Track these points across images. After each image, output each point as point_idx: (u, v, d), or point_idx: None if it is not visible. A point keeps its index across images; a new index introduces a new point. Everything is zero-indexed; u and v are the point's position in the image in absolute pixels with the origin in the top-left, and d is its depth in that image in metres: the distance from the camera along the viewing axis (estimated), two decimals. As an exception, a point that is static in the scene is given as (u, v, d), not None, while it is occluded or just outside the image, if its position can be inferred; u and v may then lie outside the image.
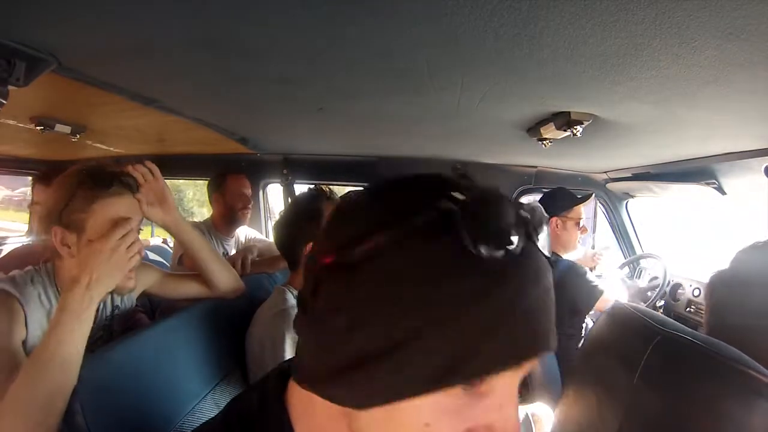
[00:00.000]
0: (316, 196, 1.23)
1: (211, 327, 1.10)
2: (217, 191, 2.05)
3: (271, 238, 2.30)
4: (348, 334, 0.32)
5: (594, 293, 1.81)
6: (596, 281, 1.87)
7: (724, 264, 0.87)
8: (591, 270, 2.24)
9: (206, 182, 2.14)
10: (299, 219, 1.19)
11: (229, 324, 1.17)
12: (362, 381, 0.32)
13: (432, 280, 0.30)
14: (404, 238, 0.31)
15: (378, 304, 0.31)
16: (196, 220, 2.11)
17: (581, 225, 1.95)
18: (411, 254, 0.31)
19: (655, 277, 2.16)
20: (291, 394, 0.41)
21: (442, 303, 0.30)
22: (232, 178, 2.07)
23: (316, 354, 0.35)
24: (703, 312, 1.85)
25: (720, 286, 0.85)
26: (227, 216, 2.04)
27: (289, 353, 1.02)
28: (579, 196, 1.96)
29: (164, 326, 0.96)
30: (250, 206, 2.10)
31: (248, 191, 2.10)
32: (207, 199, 2.13)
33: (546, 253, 0.34)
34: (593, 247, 2.62)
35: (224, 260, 1.21)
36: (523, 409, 1.34)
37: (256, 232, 2.30)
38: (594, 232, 2.64)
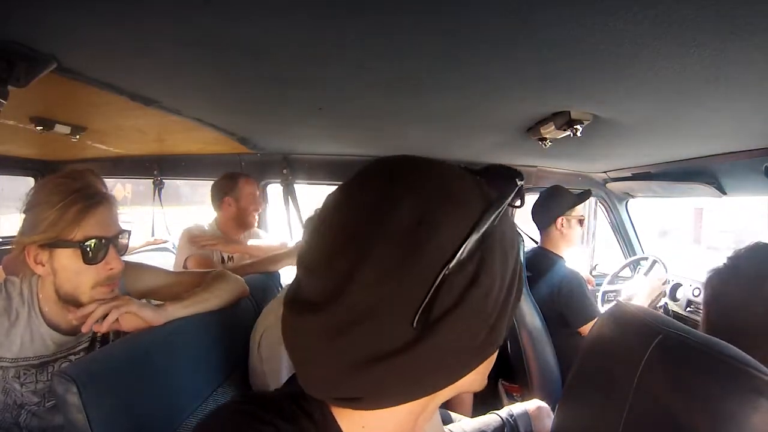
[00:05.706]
0: None
1: (214, 327, 1.10)
2: (229, 194, 2.00)
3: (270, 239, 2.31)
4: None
5: (585, 313, 1.72)
6: (593, 301, 1.78)
7: (720, 261, 0.89)
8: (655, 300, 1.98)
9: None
10: None
11: (232, 324, 1.17)
12: (447, 364, 0.39)
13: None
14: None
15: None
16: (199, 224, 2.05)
17: (582, 222, 1.94)
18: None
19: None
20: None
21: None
22: (244, 180, 2.03)
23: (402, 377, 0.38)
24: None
25: (717, 283, 0.87)
26: (238, 219, 2.02)
27: None
28: (577, 193, 1.96)
29: (167, 326, 0.96)
30: (261, 209, 2.10)
31: (259, 193, 2.09)
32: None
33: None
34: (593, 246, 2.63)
35: (228, 285, 1.14)
36: (522, 406, 1.34)
37: (258, 230, 2.28)
38: (594, 231, 2.64)
